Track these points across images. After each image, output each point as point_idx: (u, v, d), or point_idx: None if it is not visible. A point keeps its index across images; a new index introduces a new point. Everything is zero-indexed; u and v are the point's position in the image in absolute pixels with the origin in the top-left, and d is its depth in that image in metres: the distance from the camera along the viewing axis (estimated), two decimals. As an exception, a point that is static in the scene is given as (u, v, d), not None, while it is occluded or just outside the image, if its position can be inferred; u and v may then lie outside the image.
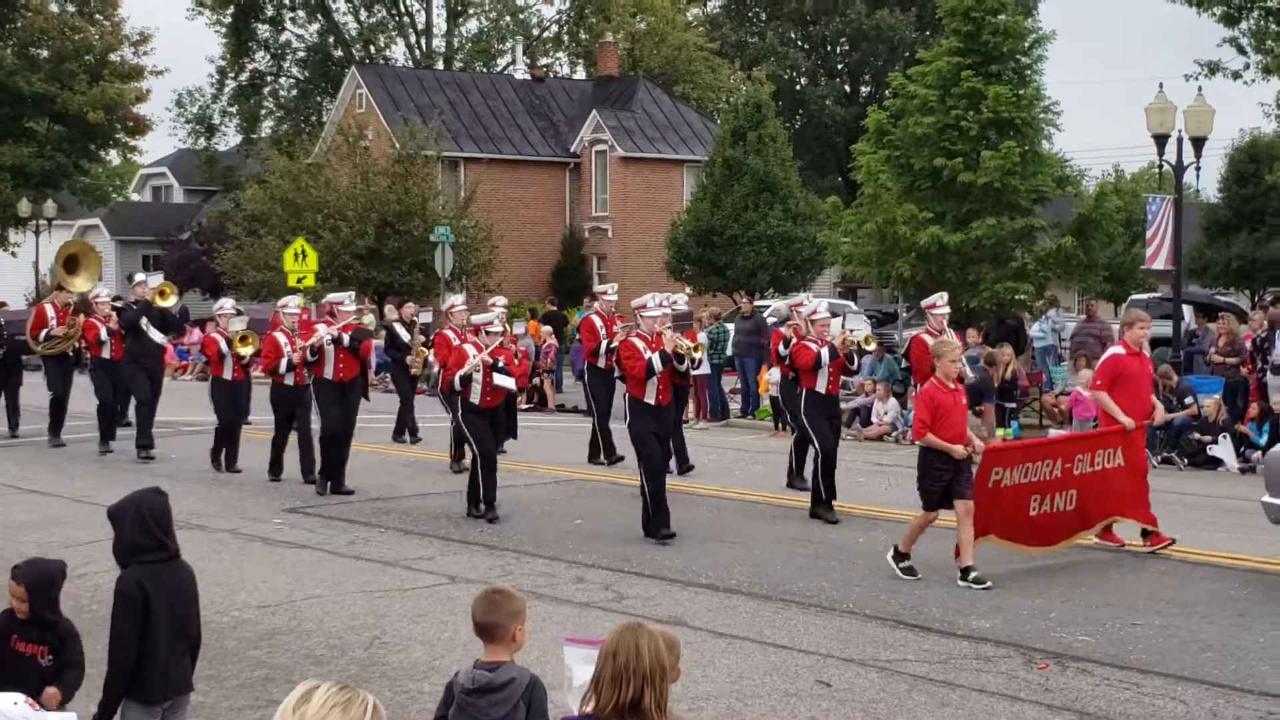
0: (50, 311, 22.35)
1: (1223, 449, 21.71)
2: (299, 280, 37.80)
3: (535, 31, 69.97)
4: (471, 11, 68.78)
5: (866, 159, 32.70)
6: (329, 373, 17.73)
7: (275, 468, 19.12)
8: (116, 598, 6.62)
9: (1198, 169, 29.47)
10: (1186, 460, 22.12)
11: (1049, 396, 27.54)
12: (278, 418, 19.21)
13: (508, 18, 68.79)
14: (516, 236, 50.33)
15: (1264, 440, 20.87)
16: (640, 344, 15.04)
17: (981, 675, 10.08)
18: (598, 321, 20.29)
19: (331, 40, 67.84)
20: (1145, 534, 14.10)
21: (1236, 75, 29.19)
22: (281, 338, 18.72)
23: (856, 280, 48.62)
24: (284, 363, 18.49)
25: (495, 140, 55.36)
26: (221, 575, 12.90)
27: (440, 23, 67.60)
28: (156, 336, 21.32)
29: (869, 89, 68.05)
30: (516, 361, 17.69)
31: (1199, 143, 27.83)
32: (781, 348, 18.04)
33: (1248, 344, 23.70)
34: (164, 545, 6.65)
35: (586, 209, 56.18)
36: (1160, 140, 27.51)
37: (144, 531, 6.61)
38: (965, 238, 30.12)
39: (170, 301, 22.05)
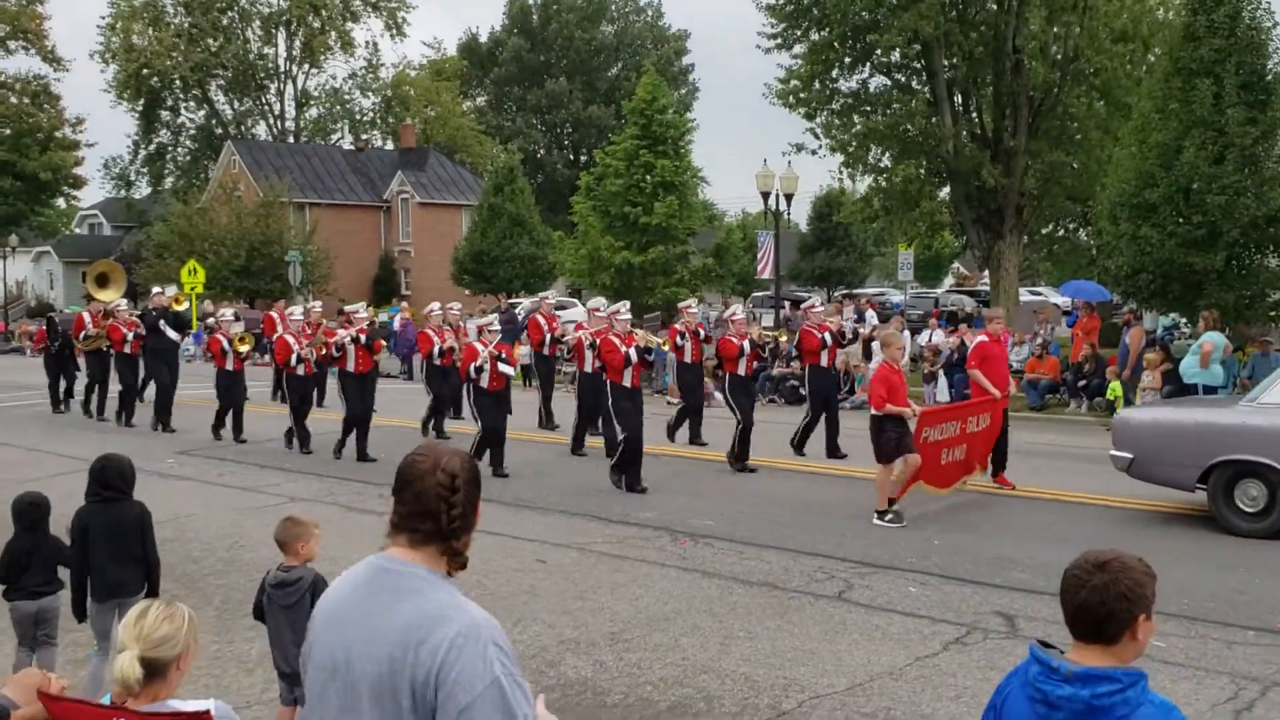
0: (87, 318, 20.24)
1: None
2: (192, 289, 36.48)
3: (358, 117, 68.82)
4: (313, 103, 67.49)
5: (580, 207, 32.93)
6: (351, 365, 15.44)
7: (297, 437, 16.26)
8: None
9: (789, 214, 30.41)
10: (784, 399, 22.79)
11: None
12: (292, 400, 16.45)
13: (338, 108, 67.76)
14: (346, 257, 49.30)
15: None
16: (617, 341, 13.29)
17: (644, 550, 10.25)
18: (541, 320, 18.22)
19: (214, 122, 65.54)
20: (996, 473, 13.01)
21: (814, 152, 30.05)
22: (290, 338, 16.40)
23: (577, 285, 48.87)
24: (294, 357, 16.14)
25: (330, 191, 54.26)
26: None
27: (291, 110, 65.89)
28: (172, 334, 19.31)
29: (586, 158, 68.24)
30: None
31: (790, 197, 28.71)
32: (679, 340, 15.93)
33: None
34: (96, 493, 6.42)
35: (395, 238, 55.35)
36: (765, 195, 28.29)
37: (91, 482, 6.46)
38: (645, 259, 30.64)
39: (183, 307, 20.02)
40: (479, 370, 13.84)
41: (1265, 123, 19.76)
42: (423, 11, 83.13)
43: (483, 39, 74.68)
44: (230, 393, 17.48)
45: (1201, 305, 19.57)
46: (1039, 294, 44.25)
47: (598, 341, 14.41)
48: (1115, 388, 19.42)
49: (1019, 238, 29.47)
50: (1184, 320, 21.87)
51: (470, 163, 63.00)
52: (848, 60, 29.69)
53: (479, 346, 14.06)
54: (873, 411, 11.42)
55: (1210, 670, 7.00)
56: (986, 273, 32.82)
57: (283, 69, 65.09)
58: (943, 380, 21.76)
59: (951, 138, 27.71)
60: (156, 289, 20.73)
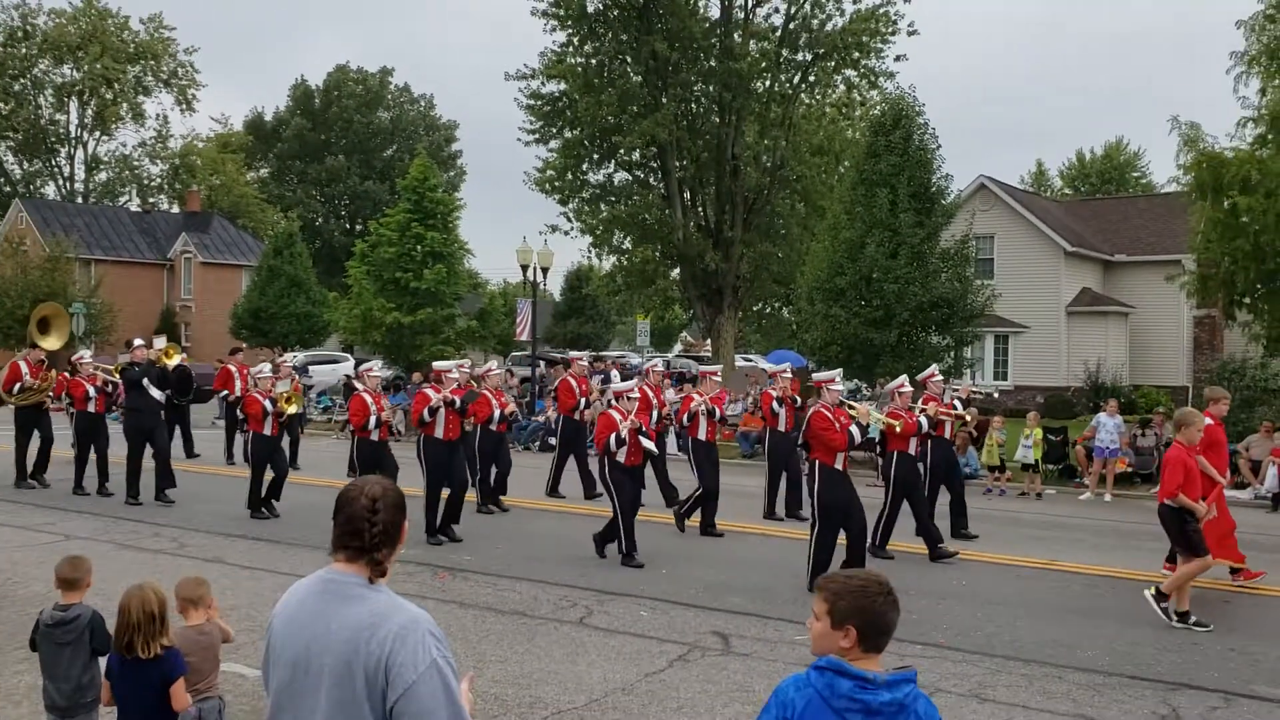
0: (24, 367, 15.66)
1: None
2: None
3: (146, 182, 65.16)
4: (103, 167, 63.58)
5: (354, 271, 32.12)
6: (440, 432, 12.25)
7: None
8: None
9: (545, 285, 30.59)
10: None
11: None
12: (364, 470, 12.42)
13: (127, 173, 64.00)
14: (129, 310, 46.38)
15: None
16: (829, 415, 10.09)
17: (404, 584, 9.77)
18: (573, 382, 15.26)
19: (2, 180, 60.65)
20: (1234, 571, 10.60)
21: (566, 233, 30.57)
22: (367, 398, 12.63)
23: (350, 343, 47.43)
24: (371, 420, 12.49)
25: (116, 249, 51.11)
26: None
27: (81, 173, 61.79)
28: (155, 394, 14.66)
29: (361, 228, 66.57)
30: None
31: (545, 270, 28.89)
32: (775, 405, 13.68)
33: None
34: None
35: (178, 294, 52.55)
36: (524, 267, 28.37)
37: None
38: (414, 319, 30.08)
39: (175, 361, 15.37)
40: (620, 443, 11.07)
41: (930, 226, 21.48)
42: (212, 90, 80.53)
43: (268, 117, 72.16)
44: (266, 461, 13.57)
45: (879, 374, 20.89)
46: (750, 360, 46.13)
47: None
48: (811, 440, 20.36)
49: (735, 313, 30.75)
50: (865, 385, 23.24)
51: (252, 227, 60.63)
52: (596, 156, 30.45)
53: (617, 416, 11.18)
54: (1166, 501, 9.10)
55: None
56: (709, 341, 34.01)
57: (74, 135, 61.17)
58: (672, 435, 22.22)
59: (681, 227, 28.74)
60: (138, 341, 15.53)
